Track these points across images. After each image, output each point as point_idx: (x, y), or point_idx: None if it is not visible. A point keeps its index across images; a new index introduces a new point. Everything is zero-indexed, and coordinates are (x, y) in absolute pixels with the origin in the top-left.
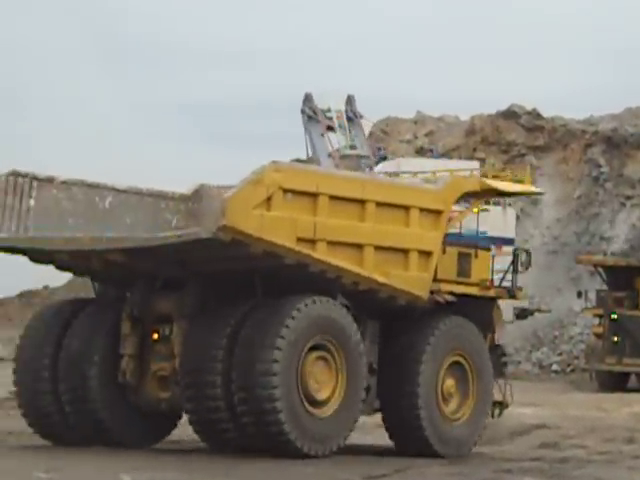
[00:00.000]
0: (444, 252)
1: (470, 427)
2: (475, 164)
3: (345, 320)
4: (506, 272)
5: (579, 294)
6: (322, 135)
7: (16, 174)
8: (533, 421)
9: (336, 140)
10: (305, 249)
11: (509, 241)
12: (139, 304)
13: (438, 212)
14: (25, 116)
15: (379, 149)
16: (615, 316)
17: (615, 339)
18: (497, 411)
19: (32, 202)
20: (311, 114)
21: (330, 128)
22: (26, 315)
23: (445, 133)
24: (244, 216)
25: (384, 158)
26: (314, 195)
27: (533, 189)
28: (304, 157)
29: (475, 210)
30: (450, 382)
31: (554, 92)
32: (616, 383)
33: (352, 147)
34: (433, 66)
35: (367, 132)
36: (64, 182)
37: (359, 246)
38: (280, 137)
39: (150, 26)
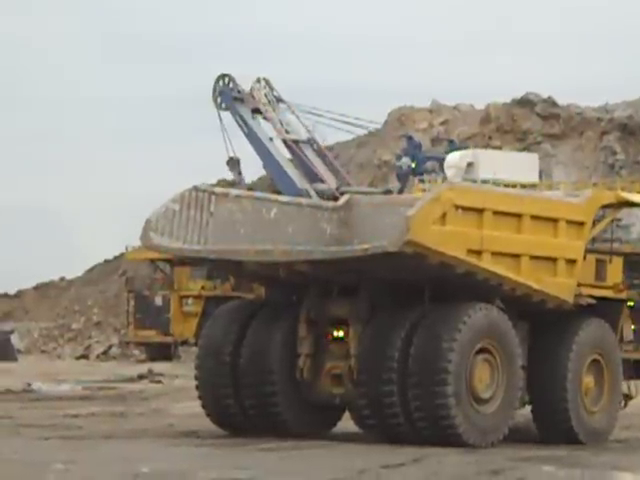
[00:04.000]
0: (585, 259)
1: (606, 418)
2: (535, 156)
3: (506, 325)
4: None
5: None
6: (253, 118)
7: (197, 189)
8: None
9: (264, 123)
10: (474, 260)
11: None
12: (315, 308)
13: (581, 223)
14: (29, 115)
15: (410, 137)
16: (632, 304)
17: (632, 327)
18: (623, 402)
19: (211, 215)
20: (236, 95)
21: (256, 111)
22: (42, 307)
23: (460, 122)
24: (425, 231)
25: (419, 146)
26: (480, 210)
27: None
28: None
29: (610, 220)
30: (589, 378)
31: (569, 80)
32: (633, 371)
33: (287, 132)
34: (448, 55)
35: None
36: (237, 196)
37: (517, 256)
38: None
39: (153, 21)
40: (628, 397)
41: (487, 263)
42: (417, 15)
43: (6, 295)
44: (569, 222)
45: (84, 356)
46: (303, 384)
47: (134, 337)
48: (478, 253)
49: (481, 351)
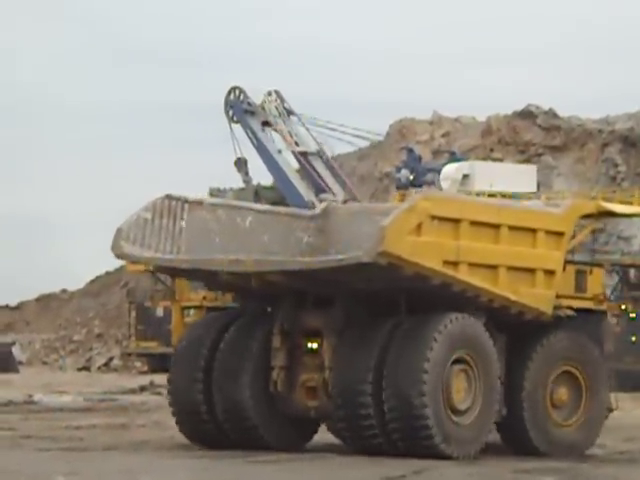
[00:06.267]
0: (564, 270)
1: (584, 432)
2: (533, 168)
3: (483, 335)
4: (616, 286)
5: None
6: (263, 130)
7: (170, 197)
8: None
9: (274, 136)
10: (450, 271)
11: None
12: (290, 319)
13: (560, 233)
14: (32, 123)
15: (410, 150)
16: (633, 315)
17: (633, 338)
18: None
19: (184, 224)
20: (246, 107)
21: (265, 123)
22: (44, 318)
23: (462, 134)
24: (399, 242)
25: (419, 158)
26: (457, 221)
27: None
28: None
29: (591, 230)
30: (562, 390)
31: (571, 92)
32: (635, 382)
33: (297, 144)
34: (449, 67)
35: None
36: (211, 204)
37: (494, 267)
38: None
39: (160, 28)
40: (609, 409)
41: (463, 274)
42: (418, 28)
43: (7, 307)
44: (548, 232)
45: (85, 368)
46: (277, 397)
47: (135, 348)
48: (454, 264)
49: (457, 361)
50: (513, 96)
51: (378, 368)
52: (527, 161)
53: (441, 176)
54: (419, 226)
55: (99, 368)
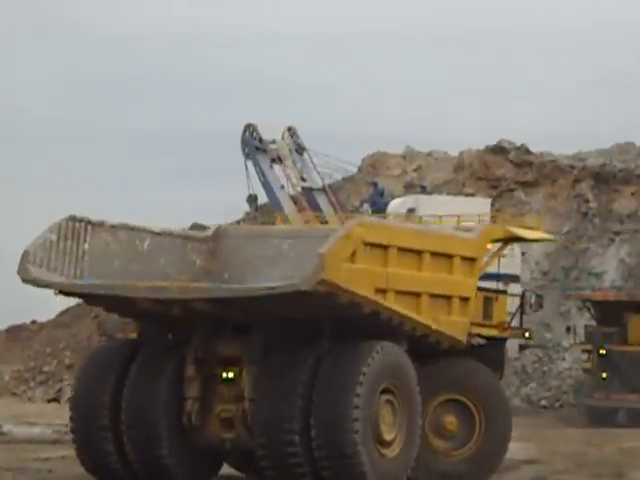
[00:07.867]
0: (475, 297)
1: (475, 463)
2: (487, 201)
3: (407, 364)
4: (515, 313)
5: (568, 329)
6: (271, 167)
7: (74, 219)
8: (522, 456)
9: (282, 172)
10: (380, 299)
11: (515, 278)
12: (204, 347)
13: (473, 259)
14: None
15: (375, 184)
16: (604, 351)
17: (604, 374)
18: None
19: (87, 246)
20: (258, 145)
21: (275, 160)
22: (13, 349)
23: (434, 168)
24: (337, 269)
25: (382, 193)
26: (386, 247)
27: (546, 236)
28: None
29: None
30: (448, 419)
31: (542, 128)
32: (605, 418)
33: (303, 179)
34: (421, 101)
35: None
36: (112, 226)
37: (417, 294)
38: None
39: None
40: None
41: (391, 302)
42: (391, 61)
43: None
44: (463, 258)
45: (55, 399)
46: (191, 429)
47: None
48: (383, 292)
49: (383, 392)
50: (485, 131)
51: (305, 402)
52: (499, 196)
53: (387, 210)
54: (354, 253)
55: (69, 399)
